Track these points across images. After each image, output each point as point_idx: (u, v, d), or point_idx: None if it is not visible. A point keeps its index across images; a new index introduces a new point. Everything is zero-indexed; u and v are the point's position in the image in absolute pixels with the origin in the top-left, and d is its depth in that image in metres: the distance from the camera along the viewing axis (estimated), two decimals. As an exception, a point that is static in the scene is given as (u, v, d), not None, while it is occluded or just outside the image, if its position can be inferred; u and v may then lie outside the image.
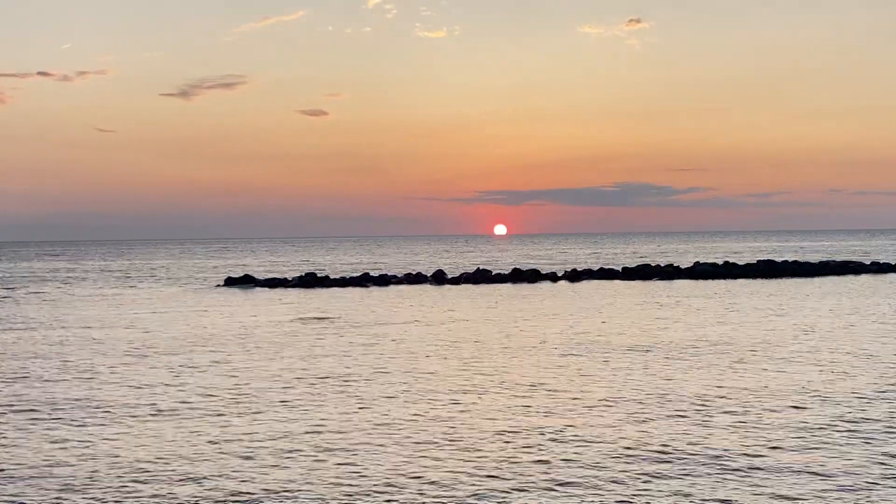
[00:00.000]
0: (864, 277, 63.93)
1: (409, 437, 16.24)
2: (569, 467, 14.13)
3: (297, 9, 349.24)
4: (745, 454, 14.69)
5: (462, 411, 18.52)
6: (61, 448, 15.87)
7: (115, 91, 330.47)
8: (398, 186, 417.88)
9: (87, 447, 15.91)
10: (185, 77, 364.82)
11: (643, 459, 14.47)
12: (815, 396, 19.36)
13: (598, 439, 15.80)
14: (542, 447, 15.37)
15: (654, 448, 15.15)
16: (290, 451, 15.34)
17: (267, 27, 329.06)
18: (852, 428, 16.36)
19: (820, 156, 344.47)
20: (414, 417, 18.01)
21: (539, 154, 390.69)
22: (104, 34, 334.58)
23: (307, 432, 16.76)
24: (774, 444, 15.24)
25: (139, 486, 13.47)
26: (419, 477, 13.75)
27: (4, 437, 16.80)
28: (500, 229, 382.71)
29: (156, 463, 14.75)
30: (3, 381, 23.30)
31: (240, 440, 16.22)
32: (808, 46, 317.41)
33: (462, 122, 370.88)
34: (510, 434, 16.34)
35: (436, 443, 15.82)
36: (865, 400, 18.95)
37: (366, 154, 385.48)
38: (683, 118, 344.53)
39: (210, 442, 16.13)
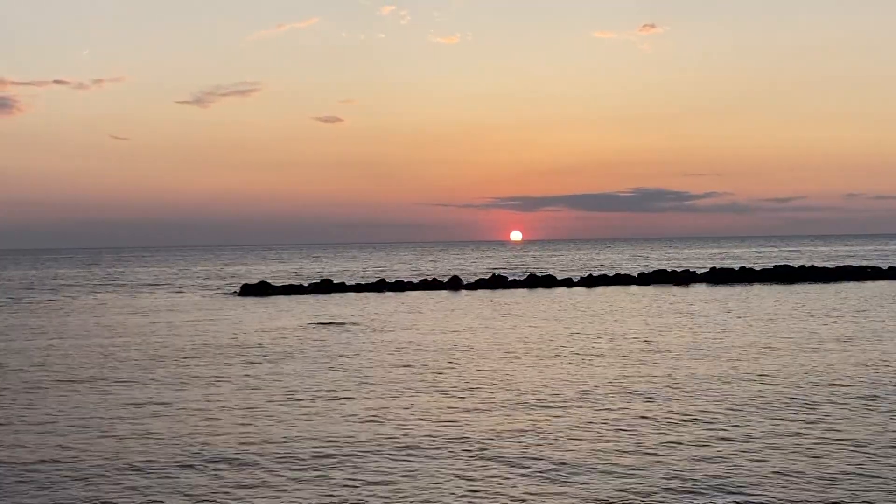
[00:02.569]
0: (881, 283, 63.63)
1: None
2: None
3: (311, 16, 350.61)
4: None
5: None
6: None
7: (131, 99, 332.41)
8: (413, 193, 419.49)
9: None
10: (199, 84, 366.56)
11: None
12: None
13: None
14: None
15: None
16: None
17: (281, 34, 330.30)
18: None
19: (837, 160, 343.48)
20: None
21: (554, 159, 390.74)
22: (119, 42, 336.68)
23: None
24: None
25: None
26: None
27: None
28: (516, 235, 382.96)
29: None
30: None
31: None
32: (824, 50, 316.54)
33: (476, 128, 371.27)
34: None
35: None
36: None
37: (380, 160, 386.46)
38: (699, 123, 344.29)
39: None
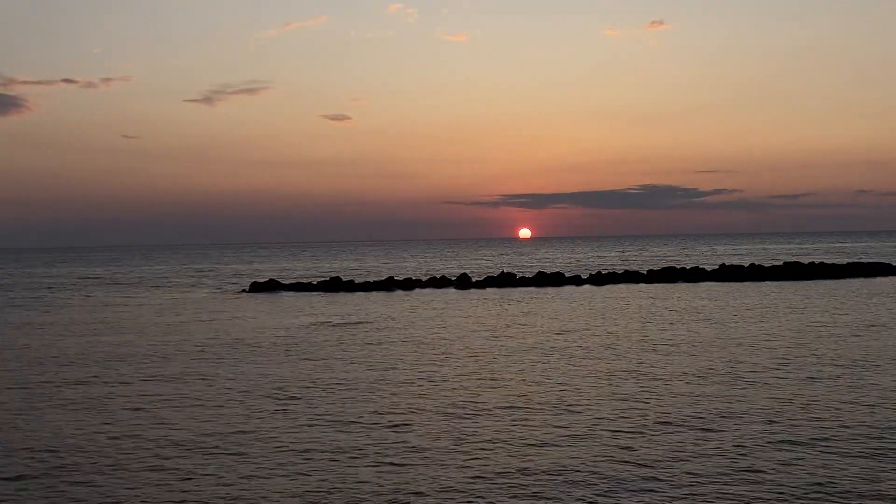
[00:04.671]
0: (892, 279, 63.31)
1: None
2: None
3: (320, 14, 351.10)
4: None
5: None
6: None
7: (140, 98, 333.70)
8: (421, 191, 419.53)
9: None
10: (208, 83, 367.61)
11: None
12: None
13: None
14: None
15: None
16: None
17: (289, 33, 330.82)
18: None
19: (847, 157, 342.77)
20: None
21: (563, 157, 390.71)
22: (128, 41, 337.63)
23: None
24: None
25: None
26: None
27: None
28: (525, 232, 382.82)
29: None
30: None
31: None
32: (834, 47, 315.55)
33: (485, 126, 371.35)
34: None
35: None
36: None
37: (389, 158, 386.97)
38: (708, 119, 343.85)
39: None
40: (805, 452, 14.90)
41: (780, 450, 15.10)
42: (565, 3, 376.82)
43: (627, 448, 15.41)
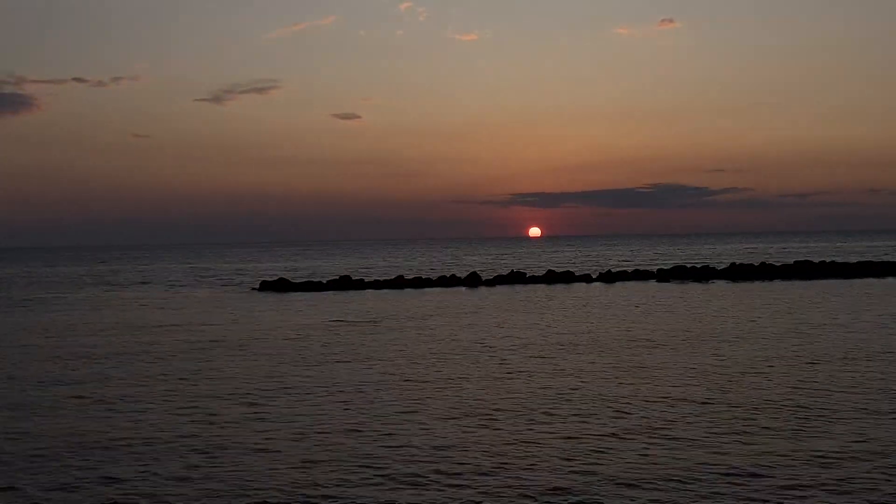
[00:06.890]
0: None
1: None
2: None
3: (329, 13, 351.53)
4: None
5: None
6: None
7: (150, 97, 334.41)
8: (431, 189, 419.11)
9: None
10: (218, 83, 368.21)
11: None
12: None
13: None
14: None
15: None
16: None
17: (299, 32, 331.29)
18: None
19: (858, 155, 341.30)
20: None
21: (573, 155, 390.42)
22: (138, 40, 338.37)
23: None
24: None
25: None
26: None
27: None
28: (535, 231, 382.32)
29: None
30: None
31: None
32: (845, 45, 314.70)
33: (495, 125, 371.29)
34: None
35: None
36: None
37: (399, 157, 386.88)
38: (719, 118, 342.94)
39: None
40: None
41: None
42: (576, 1, 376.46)
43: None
